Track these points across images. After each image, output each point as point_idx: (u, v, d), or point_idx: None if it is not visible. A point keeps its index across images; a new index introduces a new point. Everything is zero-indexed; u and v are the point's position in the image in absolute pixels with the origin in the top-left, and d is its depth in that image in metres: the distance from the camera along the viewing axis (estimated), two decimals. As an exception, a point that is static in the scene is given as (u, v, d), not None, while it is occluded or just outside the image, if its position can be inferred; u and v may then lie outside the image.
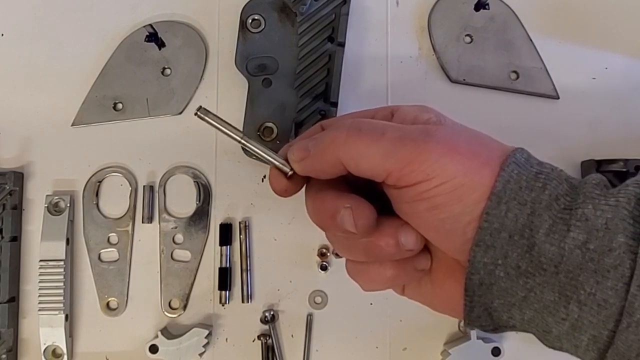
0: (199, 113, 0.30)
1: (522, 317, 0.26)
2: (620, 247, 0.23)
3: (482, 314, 0.27)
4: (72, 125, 0.50)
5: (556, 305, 0.25)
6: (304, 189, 0.33)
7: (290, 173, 0.32)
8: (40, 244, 0.46)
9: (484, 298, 0.27)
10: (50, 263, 0.46)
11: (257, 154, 0.32)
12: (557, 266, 0.24)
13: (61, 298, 0.46)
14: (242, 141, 0.31)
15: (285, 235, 0.48)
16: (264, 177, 0.49)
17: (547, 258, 0.25)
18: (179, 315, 0.47)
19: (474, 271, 0.26)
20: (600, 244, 0.24)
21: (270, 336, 0.47)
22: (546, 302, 0.25)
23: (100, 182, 0.49)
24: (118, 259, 0.48)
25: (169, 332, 0.47)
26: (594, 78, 0.51)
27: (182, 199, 0.49)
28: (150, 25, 0.48)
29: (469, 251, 0.26)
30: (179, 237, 0.48)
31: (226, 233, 0.47)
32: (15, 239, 0.47)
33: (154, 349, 0.45)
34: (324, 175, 0.30)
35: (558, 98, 0.50)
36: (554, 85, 0.50)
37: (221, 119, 0.31)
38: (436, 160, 0.26)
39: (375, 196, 0.30)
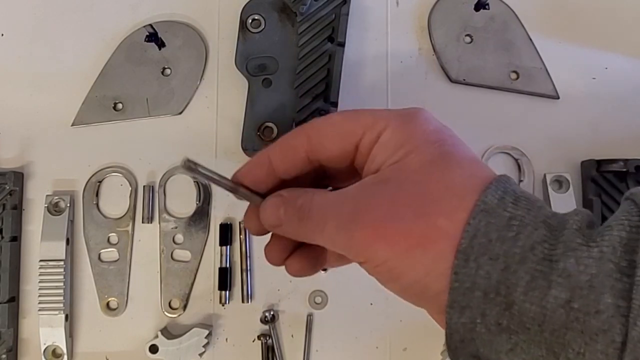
0: (186, 164, 0.28)
1: None
2: (608, 309, 0.22)
3: (469, 359, 0.26)
4: (72, 125, 0.50)
5: (545, 359, 0.23)
6: None
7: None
8: (40, 244, 0.46)
9: (468, 349, 0.25)
10: (50, 263, 0.46)
11: (247, 199, 0.31)
12: (541, 325, 0.23)
13: (61, 298, 0.46)
14: (232, 191, 0.31)
15: (285, 235, 0.48)
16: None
17: (528, 317, 0.23)
18: (179, 315, 0.47)
19: (452, 332, 0.25)
20: (585, 304, 0.22)
21: (270, 336, 0.47)
22: (534, 356, 0.24)
23: (100, 182, 0.49)
24: (118, 259, 0.48)
25: (169, 332, 0.47)
26: (594, 78, 0.51)
27: (182, 199, 0.49)
28: (150, 25, 0.48)
29: (444, 313, 0.25)
30: (179, 237, 0.48)
31: (226, 233, 0.47)
32: (15, 239, 0.47)
33: (154, 349, 0.45)
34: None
35: (558, 98, 0.50)
36: (554, 85, 0.50)
37: (209, 170, 0.29)
38: (367, 247, 0.26)
39: None
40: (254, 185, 0.31)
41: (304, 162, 0.31)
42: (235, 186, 0.31)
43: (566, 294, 0.22)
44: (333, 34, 0.47)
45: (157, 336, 0.45)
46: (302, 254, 0.33)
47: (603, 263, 0.22)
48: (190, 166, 0.28)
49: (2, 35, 0.51)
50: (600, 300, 0.22)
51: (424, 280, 0.25)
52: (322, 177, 0.33)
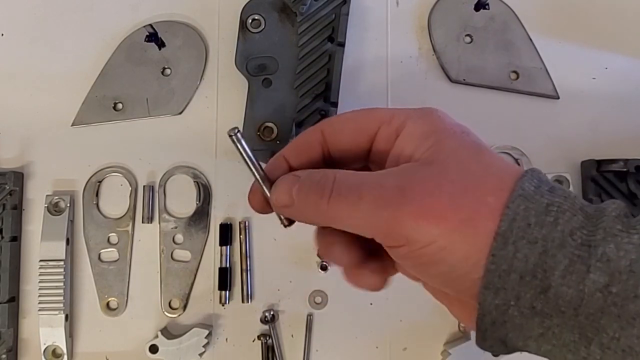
0: (234, 136, 0.28)
1: (538, 349, 0.25)
2: None
3: (496, 344, 0.26)
4: (72, 125, 0.50)
5: (576, 345, 0.23)
6: None
7: (286, 224, 0.30)
8: (40, 244, 0.46)
9: (497, 333, 0.25)
10: (50, 263, 0.46)
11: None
12: (577, 309, 0.23)
13: (61, 298, 0.46)
14: (259, 182, 0.30)
15: (285, 235, 0.48)
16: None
17: (564, 301, 0.23)
18: (179, 315, 0.47)
19: (485, 313, 0.25)
20: (623, 288, 0.22)
21: (270, 336, 0.47)
22: (565, 341, 0.24)
23: (100, 182, 0.49)
24: (118, 259, 0.48)
25: (169, 332, 0.47)
26: (594, 78, 0.51)
27: (182, 199, 0.49)
28: (150, 25, 0.48)
29: (478, 294, 0.25)
30: (179, 237, 0.48)
31: (226, 233, 0.47)
32: (15, 239, 0.47)
33: (154, 349, 0.45)
34: (311, 224, 0.30)
35: (558, 98, 0.50)
36: (554, 85, 0.50)
37: (249, 152, 0.29)
38: (413, 226, 0.25)
39: None
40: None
41: (319, 157, 0.30)
42: (264, 177, 0.30)
43: (605, 279, 0.23)
44: (333, 34, 0.47)
45: (157, 336, 0.45)
46: (374, 263, 0.30)
47: None
48: (234, 138, 0.28)
49: (2, 35, 0.51)
50: None
51: (469, 260, 0.25)
52: None
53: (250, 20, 0.48)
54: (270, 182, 0.29)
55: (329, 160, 0.31)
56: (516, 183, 0.26)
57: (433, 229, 0.25)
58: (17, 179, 0.48)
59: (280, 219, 0.30)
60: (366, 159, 0.31)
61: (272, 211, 0.31)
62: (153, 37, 0.48)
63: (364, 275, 0.30)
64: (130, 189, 0.49)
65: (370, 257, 0.30)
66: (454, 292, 0.27)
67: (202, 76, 0.50)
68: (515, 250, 0.24)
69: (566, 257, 0.23)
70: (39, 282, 0.46)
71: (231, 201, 0.49)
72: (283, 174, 0.30)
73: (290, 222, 0.30)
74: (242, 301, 0.47)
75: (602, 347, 0.23)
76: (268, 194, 0.29)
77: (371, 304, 0.48)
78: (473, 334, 0.46)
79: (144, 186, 0.49)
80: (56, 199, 0.48)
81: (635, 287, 0.22)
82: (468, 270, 0.25)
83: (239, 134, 0.28)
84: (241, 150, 0.28)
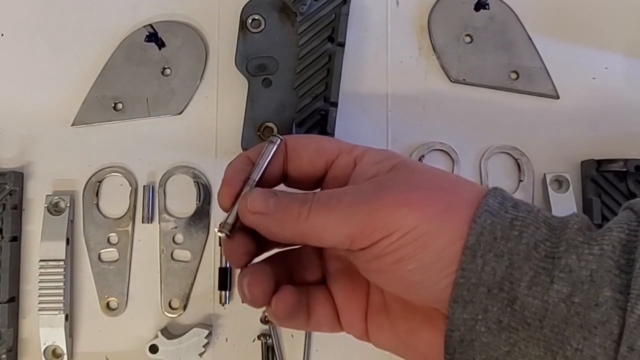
0: (273, 136, 0.31)
1: None
2: (607, 301, 0.22)
3: None
4: (72, 125, 0.49)
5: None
6: None
7: (227, 234, 0.30)
8: (40, 244, 0.46)
9: (465, 355, 0.26)
10: (50, 263, 0.46)
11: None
12: (542, 320, 0.23)
13: (61, 298, 0.46)
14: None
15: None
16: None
17: (530, 312, 0.24)
18: (179, 315, 0.47)
19: (453, 328, 0.25)
20: (585, 298, 0.23)
21: (270, 336, 0.47)
22: (531, 357, 0.24)
23: (100, 182, 0.49)
24: (118, 259, 0.48)
25: (169, 332, 0.47)
26: (594, 78, 0.51)
27: (182, 199, 0.49)
28: (150, 25, 0.48)
29: (448, 308, 0.25)
30: (179, 237, 0.48)
31: (226, 233, 0.47)
32: (15, 239, 0.47)
33: (154, 349, 0.45)
34: (281, 241, 0.29)
35: (558, 98, 0.50)
36: (554, 85, 0.50)
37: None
38: (393, 214, 0.25)
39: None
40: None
41: (279, 169, 0.31)
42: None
43: (567, 289, 0.23)
44: (333, 34, 0.47)
45: (157, 336, 0.45)
46: (289, 289, 0.30)
47: (603, 259, 0.23)
48: (273, 139, 0.30)
49: (2, 35, 0.51)
50: (600, 293, 0.23)
51: (450, 249, 0.25)
52: None
53: (250, 20, 0.48)
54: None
55: (286, 177, 0.32)
56: (481, 199, 0.26)
57: (415, 214, 0.25)
58: (17, 179, 0.48)
59: (222, 227, 0.30)
60: (319, 185, 0.31)
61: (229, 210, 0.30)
62: (153, 37, 0.48)
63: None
64: (130, 189, 0.49)
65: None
66: (419, 298, 0.27)
67: (202, 76, 0.50)
68: (483, 263, 0.25)
69: (531, 269, 0.24)
70: (39, 282, 0.46)
71: (231, 201, 0.49)
72: (246, 174, 0.30)
73: (232, 232, 0.30)
74: (242, 301, 0.47)
75: None
76: None
77: (371, 304, 0.48)
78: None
79: (144, 186, 0.49)
80: (56, 199, 0.48)
81: (596, 296, 0.23)
82: (448, 260, 0.25)
83: (279, 142, 0.31)
84: (270, 152, 0.31)
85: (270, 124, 0.46)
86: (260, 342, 0.47)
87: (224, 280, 0.47)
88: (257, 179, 0.30)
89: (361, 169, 0.29)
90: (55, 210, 0.48)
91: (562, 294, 0.23)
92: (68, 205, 0.48)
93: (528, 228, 0.25)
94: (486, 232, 0.25)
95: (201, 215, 0.48)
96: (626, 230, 0.24)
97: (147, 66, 0.50)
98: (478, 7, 0.50)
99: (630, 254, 0.23)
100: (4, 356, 0.45)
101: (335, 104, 0.46)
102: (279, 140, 0.31)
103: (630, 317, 0.22)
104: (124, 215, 0.48)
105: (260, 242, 0.31)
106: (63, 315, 0.45)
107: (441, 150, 0.49)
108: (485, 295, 0.24)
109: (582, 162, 0.49)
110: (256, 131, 0.46)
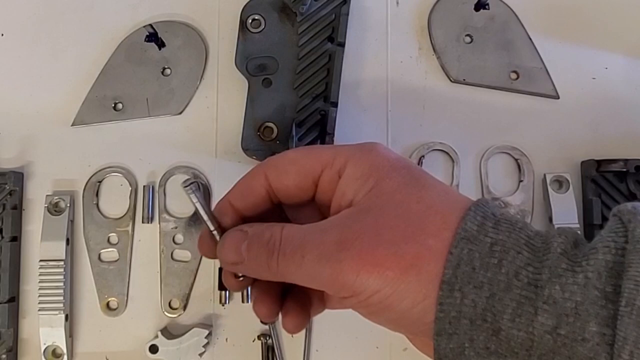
0: (186, 187, 0.28)
1: None
2: (594, 337, 0.22)
3: None
4: (72, 125, 0.49)
5: None
6: None
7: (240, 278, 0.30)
8: (40, 244, 0.46)
9: None
10: (50, 263, 0.46)
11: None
12: (529, 350, 0.23)
13: (61, 298, 0.45)
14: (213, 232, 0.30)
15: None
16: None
17: (516, 343, 0.23)
18: (179, 315, 0.47)
19: (442, 356, 0.25)
20: (571, 331, 0.22)
21: (270, 336, 0.47)
22: None
23: (100, 182, 0.49)
24: (118, 259, 0.48)
25: (169, 332, 0.47)
26: (594, 78, 0.51)
27: (182, 199, 0.49)
28: (150, 25, 0.48)
29: (432, 339, 0.25)
30: (179, 237, 0.48)
31: (226, 233, 0.47)
32: (15, 239, 0.47)
33: (154, 349, 0.45)
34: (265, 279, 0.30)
35: (558, 98, 0.50)
36: (554, 85, 0.50)
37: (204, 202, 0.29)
38: (355, 279, 0.25)
39: None
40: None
41: (265, 200, 0.30)
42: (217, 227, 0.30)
43: (552, 321, 0.23)
44: (333, 34, 0.47)
45: (157, 336, 0.45)
46: (295, 303, 0.31)
47: (588, 290, 0.23)
48: (188, 190, 0.28)
49: (2, 35, 0.51)
50: (586, 328, 0.22)
51: (418, 306, 0.25)
52: (284, 216, 0.32)
53: (250, 20, 0.48)
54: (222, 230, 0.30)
55: (276, 201, 0.31)
56: (460, 221, 0.25)
57: (375, 280, 0.25)
58: (17, 179, 0.48)
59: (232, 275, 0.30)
60: (312, 199, 0.31)
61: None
62: (153, 37, 0.48)
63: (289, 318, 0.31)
64: (130, 189, 0.49)
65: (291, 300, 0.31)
66: (411, 334, 0.28)
67: (202, 76, 0.50)
68: (462, 296, 0.24)
69: (513, 300, 0.23)
70: (39, 282, 0.46)
71: (231, 201, 0.49)
72: (230, 219, 0.30)
73: (243, 277, 0.30)
74: (242, 301, 0.47)
75: None
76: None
77: (371, 304, 0.48)
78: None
79: (144, 186, 0.49)
80: (56, 199, 0.48)
81: (582, 330, 0.22)
82: (419, 315, 0.25)
83: (193, 186, 0.28)
84: (194, 201, 0.28)
85: (270, 124, 0.46)
86: (260, 342, 0.47)
87: (224, 280, 0.47)
88: (213, 227, 0.29)
89: (341, 189, 0.29)
90: (55, 210, 0.48)
91: (547, 327, 0.23)
92: (68, 205, 0.48)
93: (508, 254, 0.24)
94: (463, 263, 0.24)
95: (201, 215, 0.48)
96: (612, 250, 0.23)
97: (147, 66, 0.50)
98: (478, 7, 0.50)
99: (618, 279, 0.23)
100: (4, 356, 0.45)
101: (335, 104, 0.46)
102: (189, 182, 0.28)
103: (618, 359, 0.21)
104: (124, 215, 0.48)
105: None
106: (63, 315, 0.45)
107: (441, 150, 0.49)
108: (469, 327, 0.24)
109: (582, 162, 0.49)
110: (256, 131, 0.46)
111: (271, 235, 0.27)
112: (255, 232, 0.28)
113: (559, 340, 0.23)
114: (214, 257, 0.30)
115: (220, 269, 0.47)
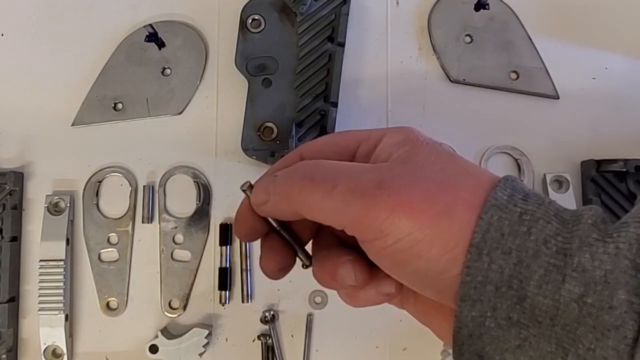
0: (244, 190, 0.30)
1: None
2: (622, 305, 0.22)
3: (473, 358, 0.26)
4: (72, 125, 0.50)
5: (553, 356, 0.23)
6: None
7: (307, 265, 0.31)
8: (40, 244, 0.46)
9: (474, 346, 0.25)
10: (50, 263, 0.46)
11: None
12: (553, 319, 0.23)
13: (61, 298, 0.46)
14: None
15: (285, 235, 0.48)
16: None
17: (541, 310, 0.23)
18: (179, 315, 0.47)
19: (462, 325, 0.25)
20: (598, 299, 0.22)
21: (270, 336, 0.47)
22: (542, 352, 0.24)
23: (100, 182, 0.49)
24: (118, 259, 0.48)
25: (169, 332, 0.47)
26: (594, 78, 0.51)
27: (182, 199, 0.49)
28: (150, 25, 0.48)
29: (455, 306, 0.25)
30: (179, 237, 0.48)
31: (226, 233, 0.47)
32: (15, 239, 0.47)
33: (154, 349, 0.45)
34: (289, 219, 0.30)
35: (558, 98, 0.50)
36: (554, 85, 0.50)
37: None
38: (387, 217, 0.24)
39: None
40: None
41: None
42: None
43: (580, 289, 0.23)
44: (333, 34, 0.47)
45: (157, 336, 0.45)
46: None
47: (619, 259, 0.22)
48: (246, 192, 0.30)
49: (2, 35, 0.51)
50: (614, 296, 0.22)
51: (446, 255, 0.24)
52: None
53: (250, 20, 0.48)
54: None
55: None
56: (489, 191, 0.25)
57: (408, 221, 0.24)
58: (17, 179, 0.48)
59: (301, 259, 0.31)
60: None
61: (256, 238, 0.31)
62: (153, 37, 0.48)
63: (370, 294, 0.30)
64: (130, 189, 0.49)
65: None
66: (433, 294, 0.27)
67: (202, 76, 0.50)
68: (490, 261, 0.24)
69: (541, 266, 0.23)
70: (39, 282, 0.46)
71: (231, 201, 0.49)
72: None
73: (310, 261, 0.30)
74: (242, 301, 0.47)
75: (578, 358, 0.23)
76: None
77: (371, 304, 0.48)
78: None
79: (144, 186, 0.49)
80: (56, 199, 0.48)
81: (610, 298, 0.22)
82: (446, 265, 0.25)
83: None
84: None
85: (270, 124, 0.46)
86: (260, 342, 0.47)
87: (224, 280, 0.47)
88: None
89: (376, 154, 0.29)
90: (55, 210, 0.48)
91: (574, 294, 0.23)
92: (68, 205, 0.48)
93: (537, 223, 0.24)
94: (493, 228, 0.24)
95: (201, 215, 0.48)
96: None
97: (147, 66, 0.50)
98: (478, 7, 0.50)
99: None
100: (4, 356, 0.45)
101: (335, 104, 0.46)
102: (250, 187, 0.30)
103: None
104: (124, 215, 0.48)
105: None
106: (63, 315, 0.45)
107: (441, 150, 0.49)
108: (494, 294, 0.24)
109: (582, 162, 0.49)
110: (256, 131, 0.46)
111: (297, 165, 0.28)
112: (283, 171, 0.29)
113: (585, 309, 0.22)
114: (249, 238, 0.31)
115: (220, 269, 0.47)
